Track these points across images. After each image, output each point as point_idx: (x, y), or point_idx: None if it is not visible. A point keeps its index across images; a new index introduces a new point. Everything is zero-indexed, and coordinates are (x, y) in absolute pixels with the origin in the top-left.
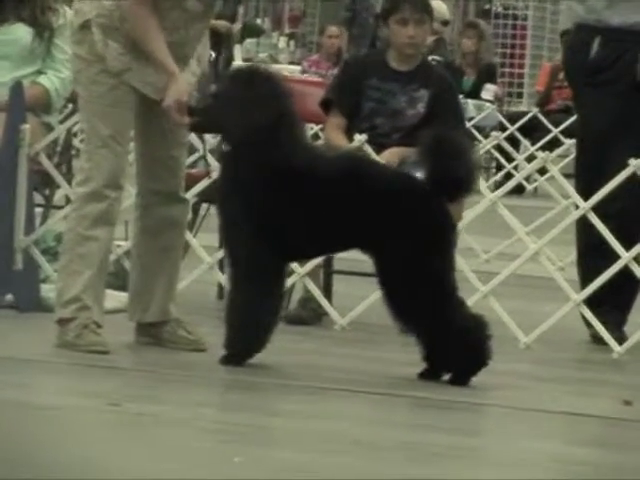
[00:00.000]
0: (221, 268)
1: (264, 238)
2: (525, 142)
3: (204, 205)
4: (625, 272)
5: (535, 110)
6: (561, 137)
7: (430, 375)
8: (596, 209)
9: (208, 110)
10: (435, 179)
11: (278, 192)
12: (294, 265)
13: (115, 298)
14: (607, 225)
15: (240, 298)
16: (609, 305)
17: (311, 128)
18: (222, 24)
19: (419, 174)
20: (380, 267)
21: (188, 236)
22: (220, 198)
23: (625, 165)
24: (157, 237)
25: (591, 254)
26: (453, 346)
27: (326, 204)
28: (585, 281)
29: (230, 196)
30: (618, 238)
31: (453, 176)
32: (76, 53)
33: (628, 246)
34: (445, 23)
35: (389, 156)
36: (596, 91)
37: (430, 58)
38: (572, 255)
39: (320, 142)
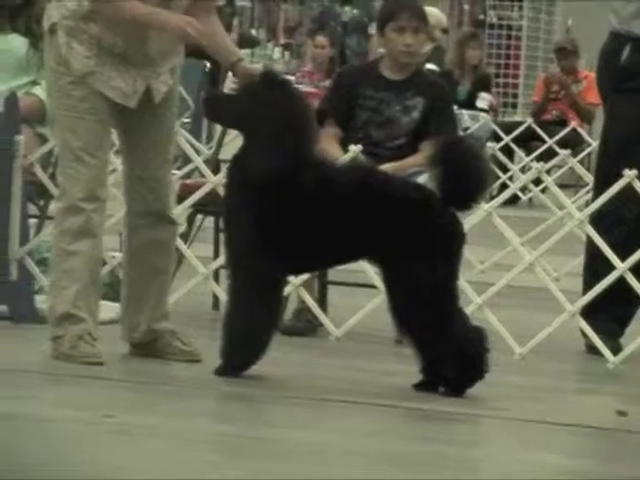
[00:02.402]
0: (216, 279)
1: (268, 250)
2: (520, 153)
3: (199, 216)
4: (628, 284)
5: (530, 120)
6: (556, 148)
7: (426, 386)
8: (610, 214)
9: (229, 105)
10: (446, 187)
11: (285, 204)
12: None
13: (110, 309)
14: (621, 230)
15: (239, 309)
16: (607, 315)
17: None
18: None
19: None
20: (388, 276)
21: (182, 247)
22: (225, 209)
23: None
24: (144, 259)
25: (597, 263)
26: (451, 357)
27: (335, 214)
28: (587, 290)
29: (235, 207)
30: (631, 244)
31: (465, 184)
32: (47, 63)
33: None
34: (445, 31)
35: None
36: (622, 98)
37: (426, 67)
38: (567, 266)
39: None
